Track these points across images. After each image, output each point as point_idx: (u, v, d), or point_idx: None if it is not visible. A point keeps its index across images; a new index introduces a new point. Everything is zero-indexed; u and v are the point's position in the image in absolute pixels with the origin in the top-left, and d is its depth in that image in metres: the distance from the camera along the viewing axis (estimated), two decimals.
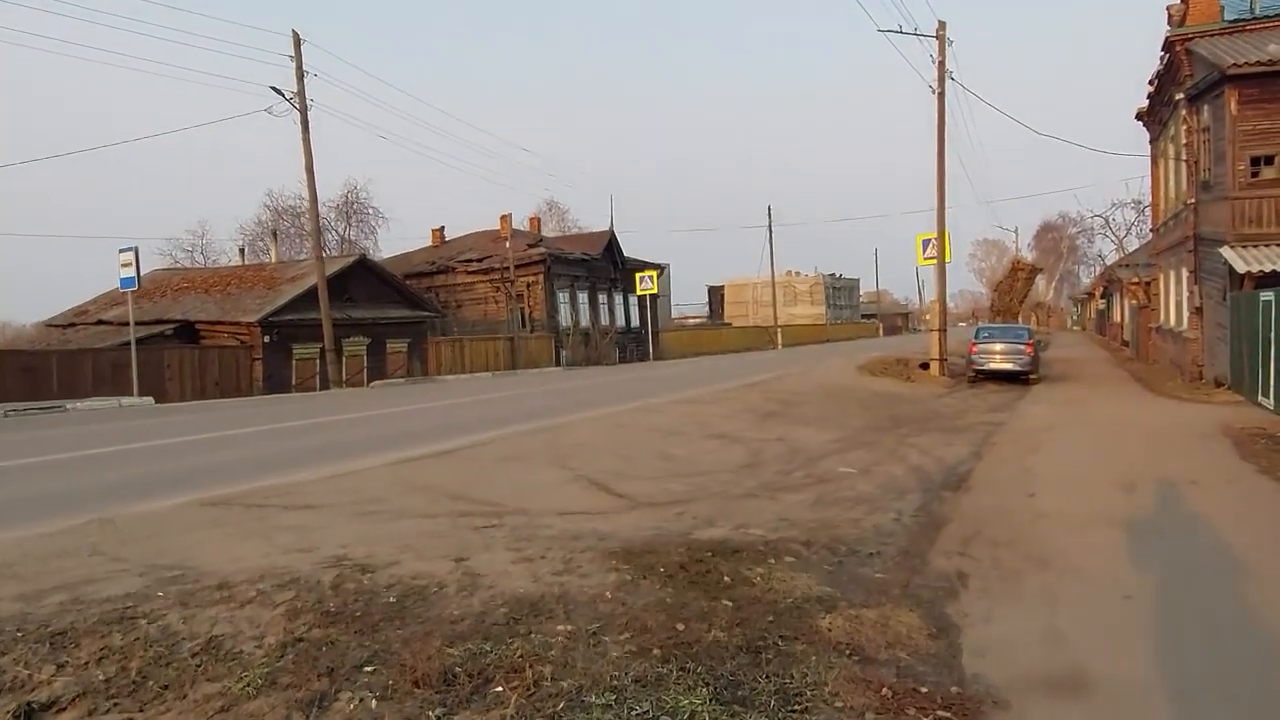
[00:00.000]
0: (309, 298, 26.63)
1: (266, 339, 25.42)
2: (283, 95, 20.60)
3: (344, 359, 28.19)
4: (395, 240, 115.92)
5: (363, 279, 29.45)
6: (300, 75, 21.11)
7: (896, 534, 5.94)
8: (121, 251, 18.02)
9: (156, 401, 21.30)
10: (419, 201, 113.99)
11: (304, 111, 21.28)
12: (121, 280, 18.37)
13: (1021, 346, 20.85)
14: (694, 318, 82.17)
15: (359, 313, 28.61)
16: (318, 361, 27.11)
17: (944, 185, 22.03)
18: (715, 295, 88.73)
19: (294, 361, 26.20)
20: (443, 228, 46.90)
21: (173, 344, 24.97)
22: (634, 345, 44.42)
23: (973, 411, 14.06)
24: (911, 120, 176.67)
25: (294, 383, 26.19)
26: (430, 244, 46.57)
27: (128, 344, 23.89)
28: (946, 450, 9.65)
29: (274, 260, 33.48)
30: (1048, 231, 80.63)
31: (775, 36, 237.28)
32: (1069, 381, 21.29)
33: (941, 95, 21.48)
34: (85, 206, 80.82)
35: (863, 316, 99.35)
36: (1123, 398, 16.60)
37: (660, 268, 48.26)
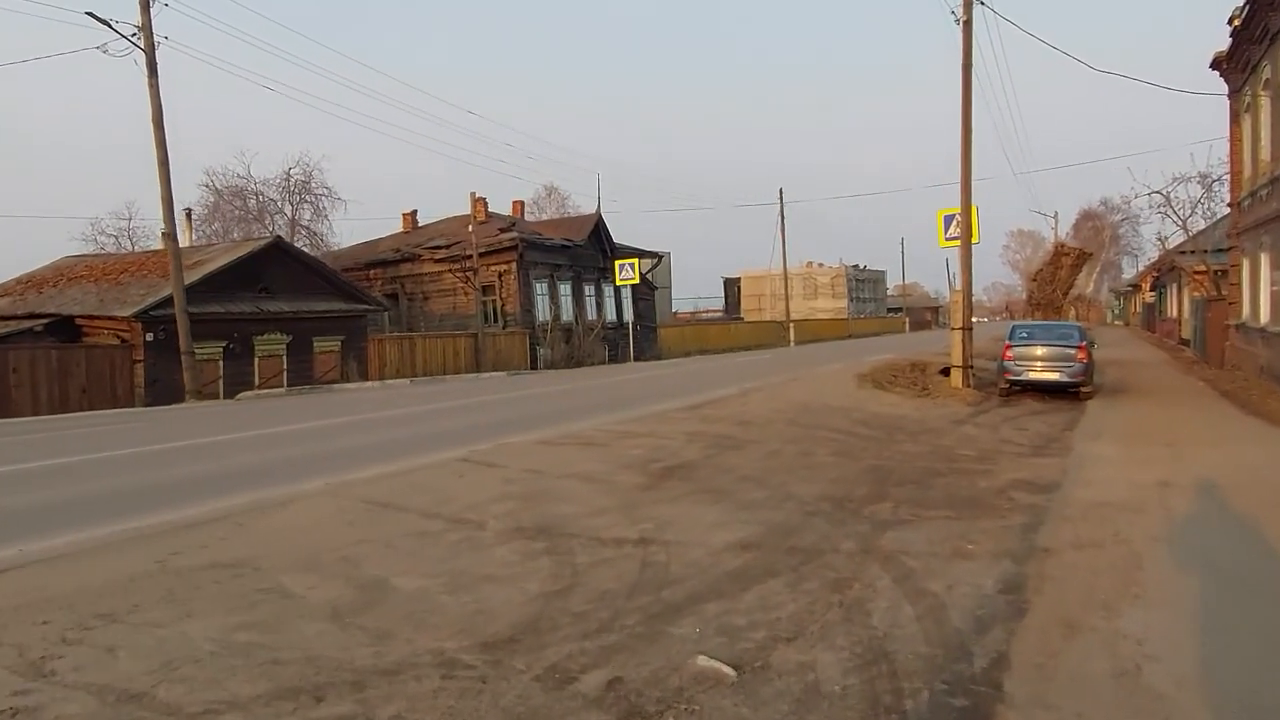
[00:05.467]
0: (208, 286, 22.48)
1: (149, 336, 21.23)
2: (110, 26, 16.01)
3: (256, 360, 24.04)
4: (375, 226, 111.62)
5: (282, 265, 25.09)
6: (145, 6, 16.61)
7: None
8: None
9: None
10: (406, 189, 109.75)
11: (151, 52, 16.75)
12: None
13: (1071, 351, 15.92)
14: (708, 311, 77.45)
15: (275, 305, 24.32)
16: (221, 363, 22.96)
17: (969, 144, 17.18)
18: (731, 288, 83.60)
19: None
20: (414, 212, 42.31)
21: (42, 343, 20.84)
22: (627, 342, 39.75)
23: (1005, 457, 9.29)
24: (943, 103, 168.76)
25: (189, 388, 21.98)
26: (401, 229, 42.18)
27: None
28: (953, 575, 4.96)
29: (189, 243, 29.36)
30: (1088, 220, 74.75)
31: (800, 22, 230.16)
32: (1132, 395, 16.31)
33: (968, 24, 16.61)
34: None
35: (889, 310, 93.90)
36: (1221, 427, 11.69)
37: (655, 255, 43.50)
